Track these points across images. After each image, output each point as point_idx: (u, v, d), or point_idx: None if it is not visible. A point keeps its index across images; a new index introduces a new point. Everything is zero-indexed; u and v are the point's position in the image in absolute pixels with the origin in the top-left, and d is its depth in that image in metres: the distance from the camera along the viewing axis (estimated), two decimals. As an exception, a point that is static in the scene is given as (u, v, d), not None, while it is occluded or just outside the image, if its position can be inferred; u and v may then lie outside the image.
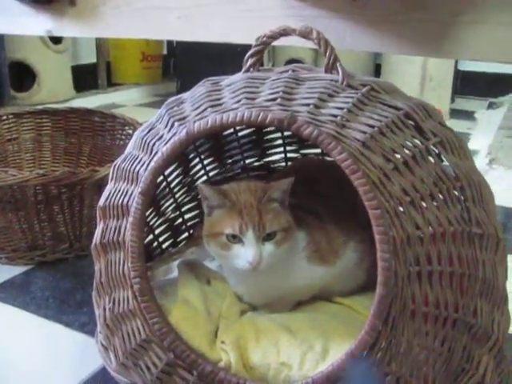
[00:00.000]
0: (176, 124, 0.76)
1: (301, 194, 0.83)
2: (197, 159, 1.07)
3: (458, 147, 0.74)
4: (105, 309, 0.84)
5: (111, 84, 3.29)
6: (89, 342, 0.97)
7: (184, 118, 0.76)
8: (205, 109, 0.75)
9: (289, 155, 1.12)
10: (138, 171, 0.78)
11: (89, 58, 3.15)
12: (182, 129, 0.73)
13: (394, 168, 0.67)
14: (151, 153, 0.77)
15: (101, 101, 2.92)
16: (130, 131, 1.58)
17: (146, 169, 0.76)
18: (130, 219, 0.75)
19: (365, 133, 0.68)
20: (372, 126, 0.69)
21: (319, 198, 0.88)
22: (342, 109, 0.70)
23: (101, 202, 0.84)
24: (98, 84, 3.15)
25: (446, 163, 0.72)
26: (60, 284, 1.17)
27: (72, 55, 2.95)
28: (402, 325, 0.66)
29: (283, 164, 1.13)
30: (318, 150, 1.10)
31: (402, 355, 0.67)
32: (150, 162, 0.75)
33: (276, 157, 1.13)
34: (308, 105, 0.71)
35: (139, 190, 0.74)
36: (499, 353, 0.74)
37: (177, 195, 1.08)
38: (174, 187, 1.05)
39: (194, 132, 0.71)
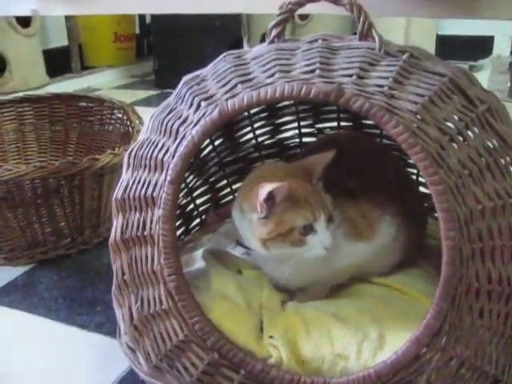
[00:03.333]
0: (203, 104, 0.69)
1: (329, 169, 0.77)
2: (207, 140, 1.00)
3: (503, 114, 0.69)
4: (130, 308, 0.78)
5: (84, 67, 3.16)
6: (109, 344, 0.91)
7: (211, 97, 0.69)
8: (234, 85, 0.68)
9: (303, 130, 1.07)
10: (162, 158, 0.71)
11: (59, 41, 3.01)
12: (213, 108, 0.67)
13: (450, 139, 0.62)
14: (176, 137, 0.70)
15: (76, 85, 2.80)
16: (120, 115, 1.50)
17: (172, 155, 0.69)
18: (161, 211, 0.69)
19: (416, 103, 0.63)
20: (421, 96, 0.64)
21: (348, 172, 0.83)
22: (386, 78, 0.65)
23: (118, 195, 0.77)
24: (71, 68, 3.01)
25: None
26: (67, 282, 1.10)
27: (42, 39, 2.81)
28: (466, 306, 0.62)
29: (297, 140, 1.08)
30: (334, 124, 1.05)
31: (467, 337, 0.64)
32: (177, 147, 0.69)
33: (289, 133, 1.07)
34: (350, 75, 0.65)
35: (168, 178, 0.68)
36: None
37: (188, 180, 1.02)
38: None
39: (227, 111, 0.65)
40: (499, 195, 0.63)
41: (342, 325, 0.70)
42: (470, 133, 0.64)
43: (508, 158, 0.66)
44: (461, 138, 0.63)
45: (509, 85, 2.49)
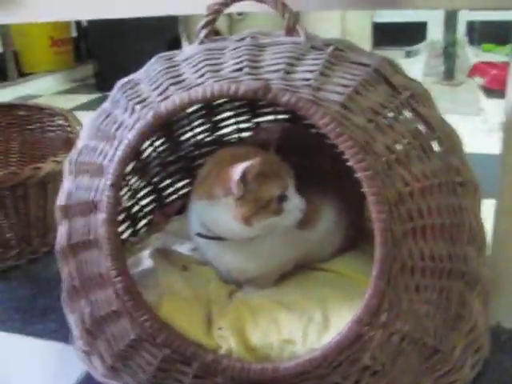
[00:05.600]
0: (137, 107, 0.71)
1: None
2: (147, 141, 1.01)
3: (427, 98, 0.73)
4: (82, 313, 0.79)
5: (22, 74, 3.09)
6: (64, 350, 0.91)
7: (144, 100, 0.71)
8: (166, 87, 0.70)
9: (241, 126, 1.09)
10: (102, 163, 0.72)
11: (-8, 48, 2.94)
12: (147, 111, 0.68)
13: (376, 126, 0.66)
14: (113, 142, 0.71)
15: (14, 93, 2.74)
16: (61, 121, 1.49)
17: (111, 159, 0.70)
18: (103, 215, 0.70)
19: (341, 94, 0.66)
20: (346, 86, 0.67)
21: None
22: (312, 72, 0.67)
23: (61, 201, 0.78)
24: (6, 76, 2.95)
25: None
26: (18, 293, 1.09)
27: (-27, 47, 2.75)
28: (403, 283, 0.66)
29: (236, 136, 1.10)
30: (271, 117, 1.07)
31: (405, 313, 0.67)
32: (115, 151, 0.70)
33: (228, 129, 1.09)
34: (278, 71, 0.67)
35: (109, 182, 0.69)
36: (486, 296, 0.75)
37: (131, 182, 1.02)
38: (127, 174, 1.00)
39: (161, 113, 0.67)
40: (426, 176, 0.67)
41: (287, 311, 0.73)
42: (395, 119, 0.68)
43: (433, 140, 0.70)
44: (386, 125, 0.66)
45: (442, 68, 2.57)
